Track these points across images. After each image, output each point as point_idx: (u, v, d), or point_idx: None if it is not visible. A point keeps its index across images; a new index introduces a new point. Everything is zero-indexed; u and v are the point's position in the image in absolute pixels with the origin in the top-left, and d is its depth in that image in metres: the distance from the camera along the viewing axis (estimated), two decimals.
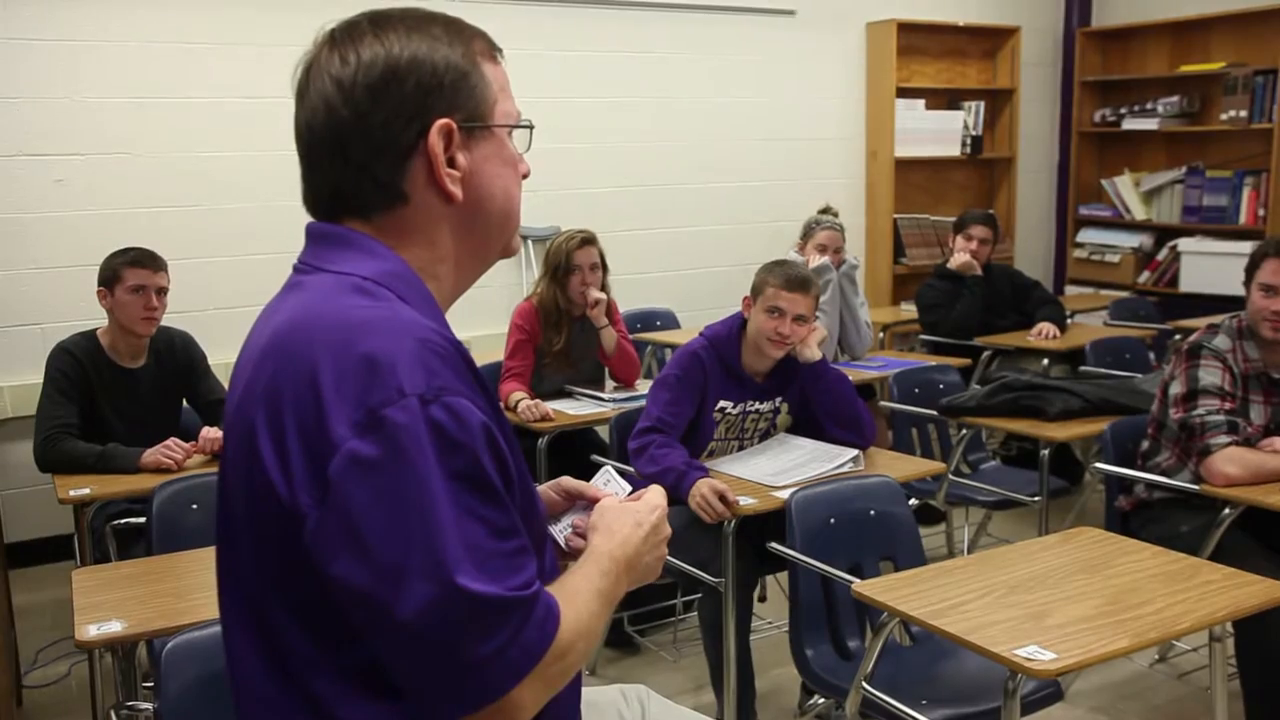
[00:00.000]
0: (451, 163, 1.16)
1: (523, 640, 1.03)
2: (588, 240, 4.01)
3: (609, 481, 1.43)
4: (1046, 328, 4.92)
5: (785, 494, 2.77)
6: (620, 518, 1.29)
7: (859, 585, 2.25)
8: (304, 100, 1.17)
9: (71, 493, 3.00)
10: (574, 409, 3.86)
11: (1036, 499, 3.70)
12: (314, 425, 1.02)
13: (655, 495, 1.34)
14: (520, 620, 1.03)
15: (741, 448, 3.27)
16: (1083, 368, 4.67)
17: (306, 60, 1.18)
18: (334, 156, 1.15)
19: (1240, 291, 3.09)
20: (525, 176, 1.26)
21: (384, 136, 1.13)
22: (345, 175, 1.15)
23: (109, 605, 2.20)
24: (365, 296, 1.11)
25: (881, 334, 5.72)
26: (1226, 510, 2.88)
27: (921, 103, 6.74)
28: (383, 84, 1.13)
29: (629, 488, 1.42)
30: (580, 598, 1.16)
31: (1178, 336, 5.13)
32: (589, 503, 1.40)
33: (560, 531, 1.41)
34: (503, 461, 1.07)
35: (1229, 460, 2.87)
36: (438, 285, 1.20)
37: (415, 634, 0.99)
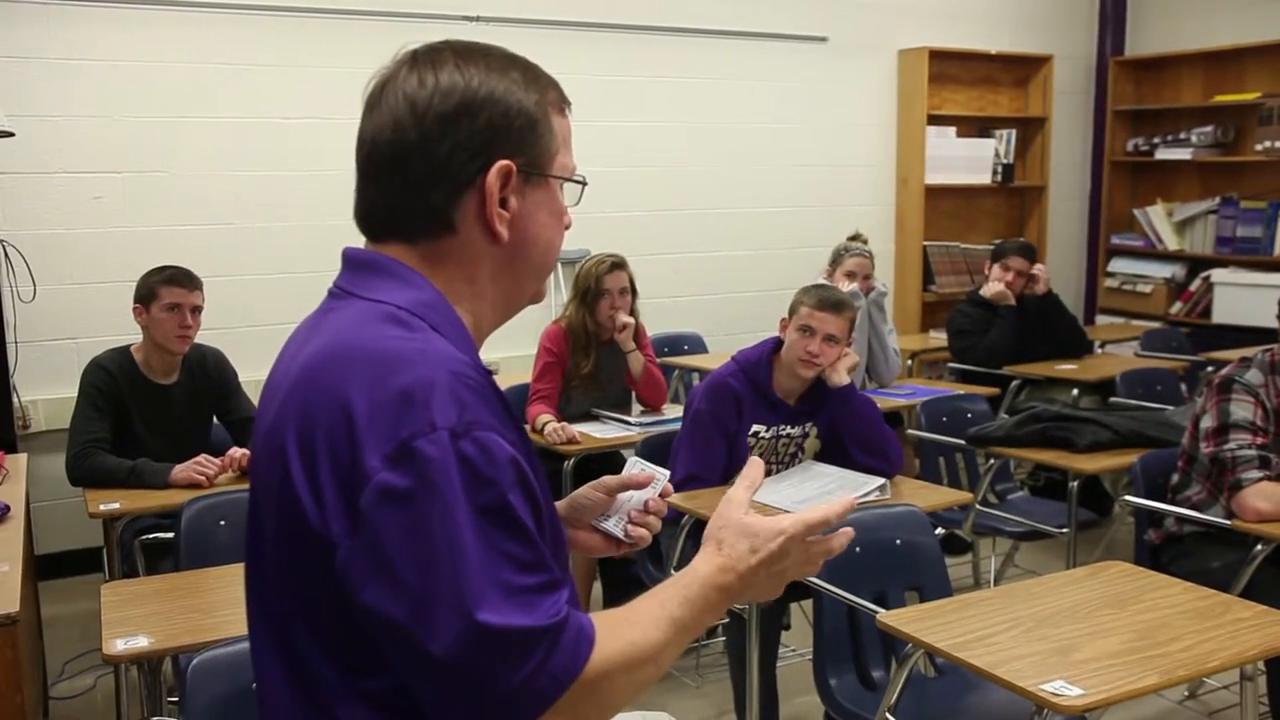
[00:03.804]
0: (504, 204, 1.17)
1: (550, 668, 1.02)
2: (617, 265, 4.03)
3: (643, 470, 1.43)
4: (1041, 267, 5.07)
5: None
6: (736, 539, 1.18)
7: (884, 615, 2.23)
8: (373, 113, 1.18)
9: (102, 507, 3.03)
10: (600, 432, 3.87)
11: (1064, 531, 3.66)
12: (347, 456, 1.03)
13: (787, 521, 1.18)
14: (548, 648, 1.02)
15: (770, 472, 3.27)
16: (1113, 399, 4.63)
17: (383, 75, 1.19)
18: (393, 174, 1.16)
19: (1273, 324, 3.06)
20: (567, 227, 1.27)
21: (446, 165, 1.14)
22: (401, 194, 1.16)
23: (136, 620, 2.22)
24: (399, 326, 1.11)
25: (910, 362, 5.70)
26: (1259, 546, 2.84)
27: (953, 130, 6.74)
28: (455, 115, 1.14)
29: (666, 472, 1.42)
30: (638, 628, 1.11)
31: (1210, 369, 5.08)
32: (638, 488, 1.40)
33: (616, 525, 1.42)
34: (532, 496, 1.07)
35: (1261, 495, 2.84)
36: (471, 321, 1.21)
37: (443, 665, 1.00)
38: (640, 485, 1.41)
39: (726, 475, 3.19)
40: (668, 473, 1.43)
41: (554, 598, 1.04)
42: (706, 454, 3.16)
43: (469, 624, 0.98)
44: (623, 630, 1.10)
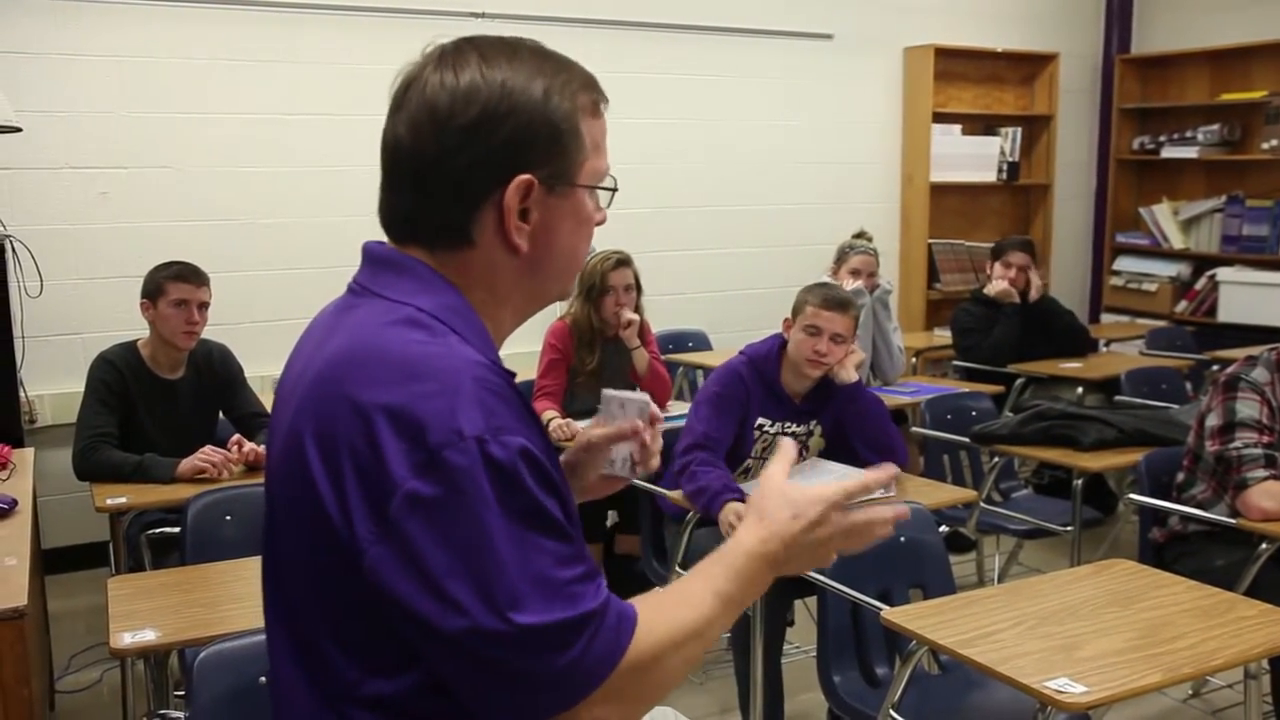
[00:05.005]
0: (524, 215, 1.15)
1: (595, 651, 1.03)
2: (623, 261, 4.03)
3: (624, 404, 1.41)
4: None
5: None
6: (778, 506, 1.18)
7: (888, 612, 2.24)
8: (397, 115, 1.16)
9: (108, 501, 3.04)
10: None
11: (1069, 529, 3.66)
12: (371, 463, 1.02)
13: (827, 489, 1.19)
14: (593, 633, 1.03)
15: None
16: (1118, 397, 4.63)
17: (408, 74, 1.17)
18: (413, 185, 1.15)
19: (1279, 322, 3.05)
20: (600, 223, 1.25)
21: (464, 180, 1.13)
22: (420, 206, 1.15)
23: (143, 614, 2.23)
24: (420, 330, 1.10)
25: (914, 359, 5.69)
26: (1263, 545, 2.84)
27: (958, 128, 6.73)
28: (474, 126, 1.11)
29: (645, 396, 1.41)
30: (685, 607, 1.12)
31: (1215, 367, 5.07)
32: (626, 436, 1.40)
33: (622, 468, 1.42)
34: (558, 494, 1.07)
35: (1265, 494, 2.83)
36: (493, 326, 1.20)
37: (487, 665, 1.01)
38: (628, 434, 1.40)
39: (732, 454, 3.19)
40: (646, 395, 1.41)
41: (595, 585, 1.05)
42: (718, 423, 3.14)
43: (510, 627, 0.99)
44: (670, 611, 1.11)
